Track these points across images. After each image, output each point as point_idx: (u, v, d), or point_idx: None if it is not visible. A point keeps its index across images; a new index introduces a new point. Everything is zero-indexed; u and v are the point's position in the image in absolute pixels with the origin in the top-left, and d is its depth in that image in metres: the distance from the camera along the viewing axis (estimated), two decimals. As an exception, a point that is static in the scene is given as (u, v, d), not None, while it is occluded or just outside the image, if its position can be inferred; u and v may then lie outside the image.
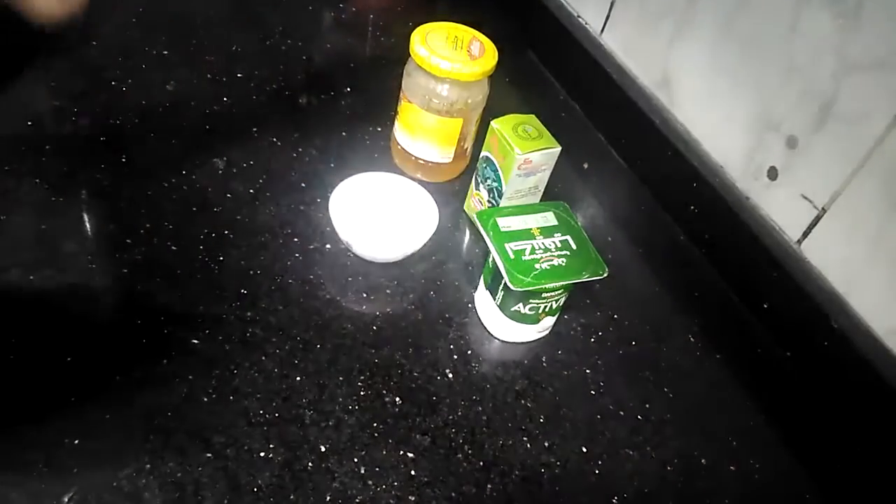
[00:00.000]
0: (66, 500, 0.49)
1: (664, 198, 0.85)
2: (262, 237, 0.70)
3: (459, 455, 0.58)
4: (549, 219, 0.66)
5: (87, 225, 0.67)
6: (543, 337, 0.69)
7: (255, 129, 0.81)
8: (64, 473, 0.51)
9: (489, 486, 0.57)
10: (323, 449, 0.56)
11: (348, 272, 0.69)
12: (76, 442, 0.52)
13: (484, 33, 0.76)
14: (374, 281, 0.69)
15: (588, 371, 0.67)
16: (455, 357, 0.65)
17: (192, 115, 0.80)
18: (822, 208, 0.69)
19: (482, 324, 0.68)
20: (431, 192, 0.73)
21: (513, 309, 0.64)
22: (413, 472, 0.56)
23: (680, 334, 0.73)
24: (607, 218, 0.83)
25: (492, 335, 0.67)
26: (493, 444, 0.60)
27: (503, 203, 0.72)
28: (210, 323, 0.62)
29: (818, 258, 0.70)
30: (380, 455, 0.57)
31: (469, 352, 0.66)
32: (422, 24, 0.75)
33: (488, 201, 0.74)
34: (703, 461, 0.63)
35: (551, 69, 1.01)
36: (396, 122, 0.79)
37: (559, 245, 0.64)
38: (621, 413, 0.64)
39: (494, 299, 0.65)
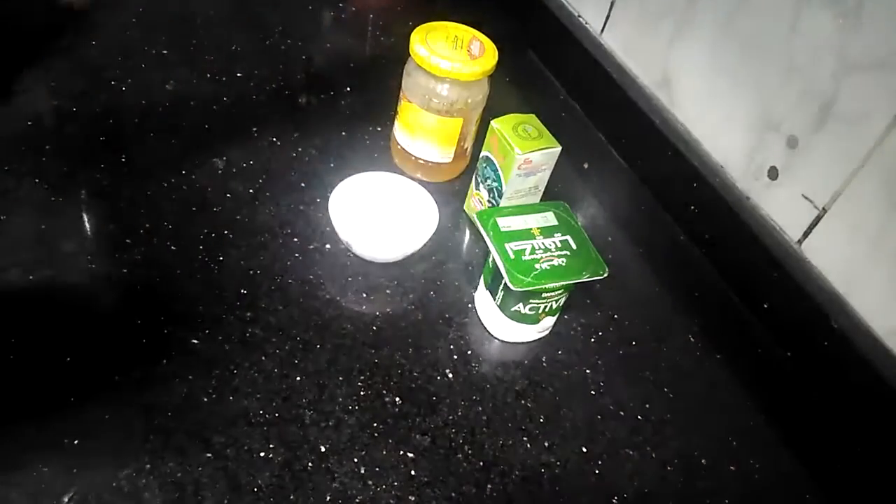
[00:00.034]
0: (66, 500, 0.49)
1: (664, 198, 0.85)
2: (262, 237, 0.70)
3: (459, 455, 0.58)
4: (549, 219, 0.66)
5: (87, 225, 0.67)
6: (543, 337, 0.69)
7: (254, 129, 0.81)
8: (64, 473, 0.51)
9: (489, 486, 0.57)
10: (323, 449, 0.56)
11: (348, 272, 0.69)
12: (76, 442, 0.52)
13: (484, 33, 0.76)
14: (374, 281, 0.69)
15: (588, 371, 0.67)
16: (455, 357, 0.65)
17: (191, 115, 0.80)
18: (823, 208, 0.69)
19: (482, 324, 0.68)
20: (431, 192, 0.73)
21: (513, 309, 0.64)
22: (413, 472, 0.56)
23: (680, 334, 0.73)
24: (607, 218, 0.83)
25: (492, 335, 0.67)
26: (493, 444, 0.60)
27: (503, 203, 0.72)
28: (210, 323, 0.62)
29: (818, 258, 0.70)
30: (380, 455, 0.57)
31: (469, 352, 0.66)
32: (422, 24, 0.75)
33: (488, 201, 0.74)
34: (703, 461, 0.63)
35: (551, 69, 1.01)
36: (396, 122, 0.79)
37: (559, 245, 0.64)
38: (621, 413, 0.64)
39: (494, 299, 0.65)
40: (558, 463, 0.60)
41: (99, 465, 0.52)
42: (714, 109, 0.79)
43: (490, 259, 0.64)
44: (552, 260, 0.63)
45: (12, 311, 0.59)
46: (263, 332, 0.62)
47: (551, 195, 0.76)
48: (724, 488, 0.61)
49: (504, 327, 0.66)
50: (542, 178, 0.73)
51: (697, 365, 0.70)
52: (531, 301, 0.63)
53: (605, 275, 0.63)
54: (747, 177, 0.76)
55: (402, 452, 0.57)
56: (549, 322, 0.67)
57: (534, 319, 0.65)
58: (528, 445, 0.60)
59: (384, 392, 0.61)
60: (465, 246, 0.76)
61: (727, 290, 0.78)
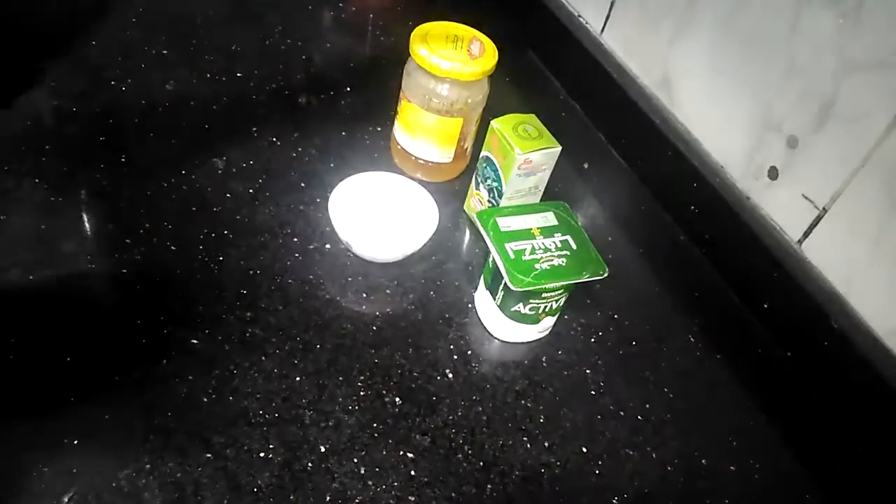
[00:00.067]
0: (66, 500, 0.49)
1: (664, 198, 0.85)
2: (262, 237, 0.70)
3: (459, 455, 0.58)
4: (549, 219, 0.66)
5: (87, 225, 0.67)
6: (543, 337, 0.69)
7: (254, 129, 0.81)
8: (64, 473, 0.51)
9: (489, 486, 0.57)
10: (323, 449, 0.56)
11: (348, 272, 0.69)
12: (76, 442, 0.52)
13: (484, 33, 0.76)
14: (374, 281, 0.69)
15: (588, 371, 0.67)
16: (455, 357, 0.65)
17: (191, 114, 0.80)
18: (823, 208, 0.69)
19: (482, 324, 0.68)
20: (431, 192, 0.73)
21: (513, 309, 0.64)
22: (413, 472, 0.56)
23: (680, 334, 0.73)
24: (607, 218, 0.83)
25: (492, 335, 0.67)
26: (493, 444, 0.60)
27: (503, 203, 0.72)
28: (210, 323, 0.62)
29: (819, 258, 0.70)
30: (380, 455, 0.57)
31: (469, 352, 0.66)
32: (422, 24, 0.75)
33: (488, 201, 0.74)
34: (703, 461, 0.63)
35: (551, 69, 1.01)
36: (396, 122, 0.79)
37: (559, 245, 0.64)
38: (621, 413, 0.64)
39: (494, 299, 0.65)
40: (558, 463, 0.60)
41: (99, 465, 0.52)
42: (714, 109, 0.79)
43: (490, 259, 0.64)
44: (552, 260, 0.63)
45: (12, 311, 0.59)
46: (263, 332, 0.62)
47: (551, 195, 0.76)
48: (724, 488, 0.61)
49: (504, 327, 0.66)
50: (542, 178, 0.73)
51: (697, 365, 0.70)
52: (531, 301, 0.63)
53: (605, 275, 0.63)
54: (747, 177, 0.76)
55: (402, 452, 0.57)
56: (549, 322, 0.67)
57: (534, 319, 0.65)
58: (528, 445, 0.60)
59: (384, 392, 0.61)
60: (465, 246, 0.76)
61: (727, 290, 0.78)
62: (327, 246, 0.71)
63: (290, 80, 0.89)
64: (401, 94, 0.77)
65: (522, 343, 0.68)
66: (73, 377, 0.56)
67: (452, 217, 0.77)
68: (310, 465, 0.55)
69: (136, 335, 0.60)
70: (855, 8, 0.62)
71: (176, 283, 0.64)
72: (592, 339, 0.70)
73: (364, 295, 0.68)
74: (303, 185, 0.76)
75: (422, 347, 0.65)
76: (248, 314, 0.63)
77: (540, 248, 0.63)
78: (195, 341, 0.60)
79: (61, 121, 0.75)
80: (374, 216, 0.72)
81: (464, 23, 0.77)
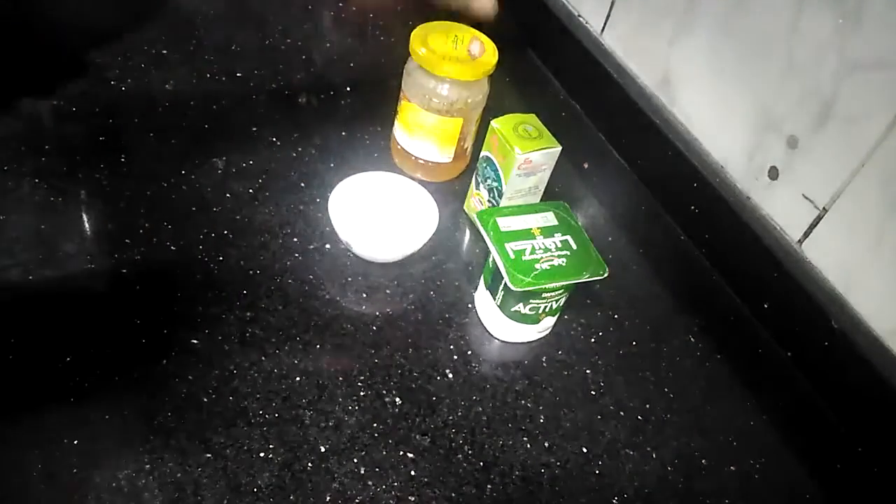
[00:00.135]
0: None
1: (664, 198, 0.85)
2: (262, 237, 0.70)
3: (459, 455, 0.58)
4: (549, 219, 0.66)
5: (87, 225, 0.67)
6: (543, 337, 0.69)
7: (254, 129, 0.81)
8: (64, 474, 0.51)
9: (489, 486, 0.57)
10: (323, 449, 0.56)
11: (348, 272, 0.69)
12: (76, 442, 0.52)
13: (484, 33, 0.76)
14: (374, 281, 0.69)
15: (588, 371, 0.67)
16: (455, 357, 0.65)
17: (191, 114, 0.80)
18: (823, 208, 0.69)
19: (482, 324, 0.68)
20: (431, 192, 0.73)
21: (513, 309, 0.64)
22: (413, 473, 0.56)
23: (680, 334, 0.73)
24: (607, 218, 0.83)
25: (492, 335, 0.67)
26: (493, 444, 0.60)
27: (503, 203, 0.72)
28: (210, 323, 0.62)
29: (819, 258, 0.70)
30: (380, 455, 0.57)
31: (469, 352, 0.66)
32: (422, 23, 0.75)
33: (488, 201, 0.74)
34: (703, 461, 0.63)
35: (551, 68, 1.01)
36: (396, 122, 0.79)
37: (559, 245, 0.64)
38: (621, 413, 0.64)
39: (494, 299, 0.65)
40: (558, 463, 0.60)
41: (99, 465, 0.52)
42: (714, 109, 0.79)
43: (490, 259, 0.64)
44: (552, 260, 0.63)
45: (12, 311, 0.59)
46: (263, 332, 0.62)
47: (551, 195, 0.76)
48: (724, 488, 0.61)
49: (504, 327, 0.66)
50: (542, 178, 0.73)
51: (697, 365, 0.70)
52: (531, 301, 0.63)
53: (605, 275, 0.63)
54: (747, 177, 0.76)
55: (402, 452, 0.57)
56: (549, 322, 0.67)
57: (534, 319, 0.65)
58: (528, 445, 0.60)
59: (384, 392, 0.61)
60: (465, 246, 0.76)
61: (727, 290, 0.78)
62: (327, 246, 0.71)
63: (290, 80, 0.88)
64: (401, 94, 0.77)
65: (522, 343, 0.68)
66: (73, 377, 0.56)
67: (452, 217, 0.77)
68: (310, 465, 0.55)
69: (136, 335, 0.60)
70: (855, 8, 0.62)
71: (176, 283, 0.64)
72: (592, 339, 0.70)
73: (364, 295, 0.68)
74: (303, 185, 0.76)
75: (422, 347, 0.65)
76: (248, 314, 0.63)
77: (540, 248, 0.63)
78: (195, 341, 0.60)
79: (61, 121, 0.75)
80: (374, 216, 0.72)
81: (464, 23, 0.77)
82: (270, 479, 0.54)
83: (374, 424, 0.59)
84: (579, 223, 0.67)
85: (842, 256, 0.68)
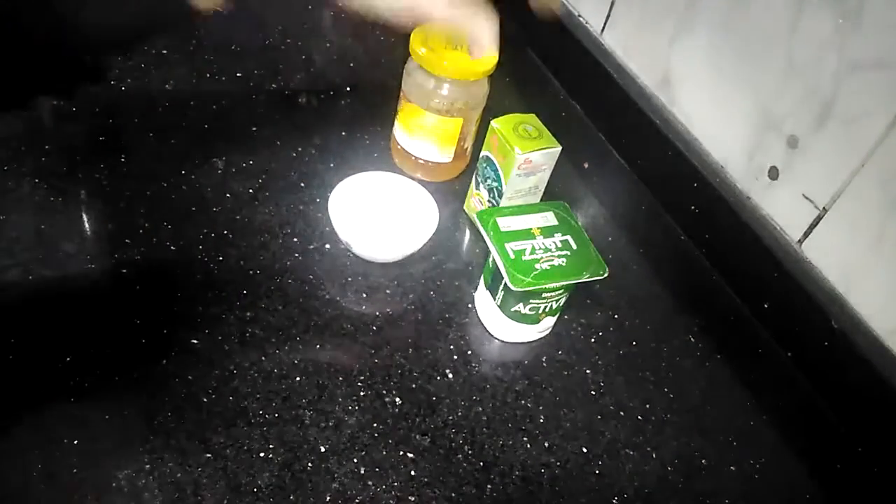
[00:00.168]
0: None
1: (664, 198, 0.85)
2: (262, 237, 0.70)
3: (459, 455, 0.58)
4: (549, 219, 0.66)
5: (87, 225, 0.67)
6: (543, 337, 0.69)
7: (254, 129, 0.81)
8: (64, 474, 0.51)
9: (489, 486, 0.57)
10: (323, 449, 0.56)
11: (348, 272, 0.69)
12: (76, 442, 0.52)
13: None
14: (374, 281, 0.69)
15: (588, 371, 0.67)
16: (455, 357, 0.65)
17: (191, 114, 0.80)
18: (823, 208, 0.69)
19: (482, 324, 0.68)
20: (431, 192, 0.73)
21: (513, 309, 0.64)
22: (413, 473, 0.56)
23: (680, 334, 0.73)
24: (607, 218, 0.83)
25: (492, 335, 0.67)
26: (493, 444, 0.60)
27: (503, 203, 0.72)
28: (210, 323, 0.62)
29: (819, 258, 0.70)
30: (380, 455, 0.57)
31: (469, 352, 0.66)
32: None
33: (488, 201, 0.74)
34: (703, 461, 0.63)
35: (551, 68, 1.01)
36: (396, 122, 0.79)
37: (559, 245, 0.64)
38: (621, 413, 0.64)
39: (494, 299, 0.65)
40: (558, 463, 0.60)
41: (99, 465, 0.52)
42: (714, 109, 0.79)
43: (490, 259, 0.64)
44: (552, 260, 0.63)
45: (12, 311, 0.59)
46: (263, 332, 0.62)
47: (551, 195, 0.76)
48: (724, 488, 0.61)
49: (504, 327, 0.66)
50: (542, 178, 0.73)
51: (697, 365, 0.70)
52: (531, 301, 0.63)
53: (606, 275, 0.63)
54: (747, 177, 0.76)
55: (402, 452, 0.57)
56: (549, 322, 0.67)
57: (534, 319, 0.65)
58: (528, 445, 0.60)
59: (384, 392, 0.61)
60: (465, 246, 0.76)
61: (727, 290, 0.78)
62: (327, 246, 0.71)
63: (290, 80, 0.89)
64: (401, 94, 0.77)
65: (522, 343, 0.68)
66: (73, 377, 0.56)
67: (452, 217, 0.77)
68: (310, 465, 0.55)
69: (136, 335, 0.60)
70: (855, 8, 0.62)
71: (176, 283, 0.64)
72: (592, 339, 0.70)
73: (364, 295, 0.68)
74: (303, 185, 0.76)
75: (422, 347, 0.65)
76: (248, 314, 0.63)
77: (540, 248, 0.63)
78: (195, 341, 0.60)
79: (61, 121, 0.75)
80: (374, 216, 0.72)
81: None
82: (270, 479, 0.54)
83: (374, 424, 0.59)
84: (579, 223, 0.67)
85: (842, 256, 0.68)
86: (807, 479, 0.64)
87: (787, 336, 0.72)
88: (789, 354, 0.72)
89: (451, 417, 0.61)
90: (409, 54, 0.73)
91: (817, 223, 0.70)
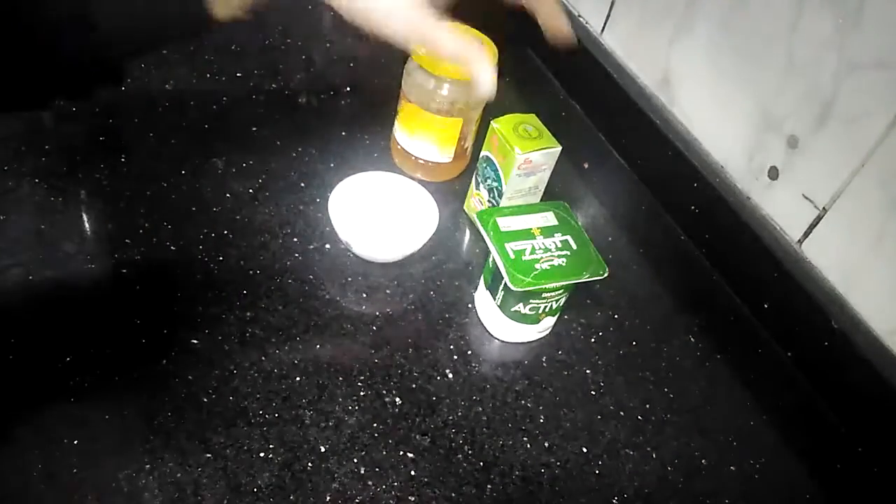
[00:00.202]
0: None
1: (664, 198, 0.85)
2: (262, 237, 0.70)
3: (459, 455, 0.58)
4: (549, 219, 0.66)
5: (87, 225, 0.67)
6: (543, 337, 0.69)
7: (254, 129, 0.81)
8: (64, 474, 0.51)
9: (489, 486, 0.57)
10: (323, 449, 0.56)
11: (348, 272, 0.69)
12: (76, 442, 0.52)
13: (484, 33, 0.76)
14: (374, 281, 0.69)
15: (588, 371, 0.67)
16: (455, 357, 0.65)
17: (191, 114, 0.80)
18: (823, 208, 0.69)
19: (482, 324, 0.68)
20: (431, 192, 0.73)
21: (513, 309, 0.64)
22: (413, 473, 0.56)
23: (680, 334, 0.73)
24: (607, 218, 0.83)
25: (492, 335, 0.67)
26: (493, 444, 0.60)
27: (503, 203, 0.72)
28: (210, 323, 0.62)
29: (819, 258, 0.70)
30: (380, 455, 0.57)
31: (469, 352, 0.66)
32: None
33: (488, 201, 0.74)
34: (703, 461, 0.63)
35: (551, 68, 1.01)
36: (396, 122, 0.79)
37: (559, 245, 0.64)
38: (621, 413, 0.64)
39: (494, 299, 0.65)
40: (558, 463, 0.60)
41: (99, 465, 0.52)
42: (714, 109, 0.79)
43: (490, 259, 0.64)
44: (552, 260, 0.63)
45: (12, 311, 0.59)
46: (263, 332, 0.62)
47: (551, 195, 0.76)
48: (724, 488, 0.61)
49: (504, 327, 0.66)
50: (542, 178, 0.73)
51: (697, 365, 0.70)
52: (531, 301, 0.63)
53: (605, 275, 0.63)
54: (747, 177, 0.76)
55: (402, 452, 0.57)
56: (549, 322, 0.67)
57: (534, 319, 0.65)
58: (528, 445, 0.60)
59: (384, 392, 0.61)
60: (465, 246, 0.76)
61: (727, 290, 0.78)
62: (327, 246, 0.71)
63: (290, 80, 0.89)
64: (401, 94, 0.77)
65: (522, 343, 0.68)
66: (73, 377, 0.56)
67: (452, 217, 0.77)
68: (310, 465, 0.55)
69: (136, 335, 0.60)
70: (855, 8, 0.62)
71: (176, 283, 0.64)
72: (592, 339, 0.70)
73: (364, 295, 0.68)
74: (303, 185, 0.76)
75: (422, 347, 0.65)
76: (248, 314, 0.63)
77: (540, 248, 0.63)
78: (195, 341, 0.60)
79: (61, 121, 0.75)
80: (374, 216, 0.72)
81: (464, 22, 0.77)
82: (270, 479, 0.54)
83: (374, 424, 0.59)
84: (579, 223, 0.67)
85: (842, 256, 0.68)
86: (807, 479, 0.64)
87: (787, 336, 0.72)
88: (789, 354, 0.72)
89: (451, 417, 0.61)
90: (409, 54, 0.73)
91: (817, 223, 0.70)
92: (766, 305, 0.74)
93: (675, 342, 0.72)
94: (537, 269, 0.62)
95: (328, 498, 0.54)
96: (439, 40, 0.48)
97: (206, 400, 0.57)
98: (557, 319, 0.68)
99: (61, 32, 0.42)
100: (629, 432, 0.63)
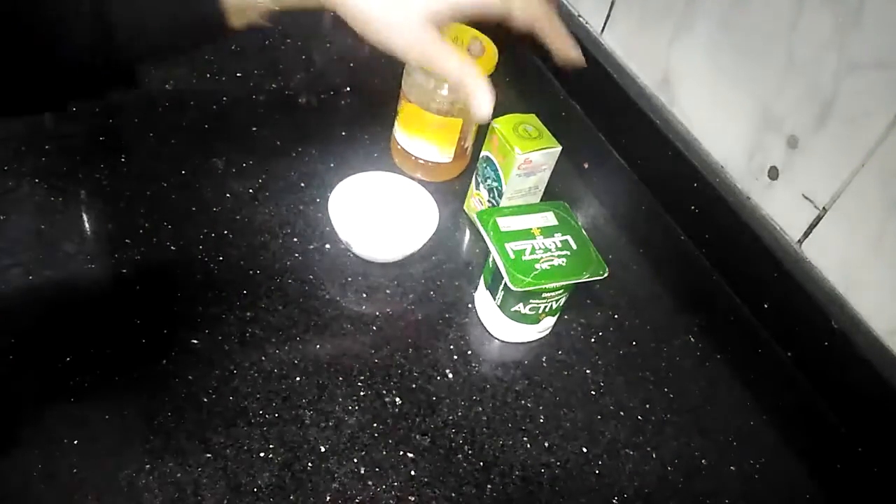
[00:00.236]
0: None
1: (664, 198, 0.85)
2: (262, 237, 0.70)
3: (459, 455, 0.58)
4: (549, 219, 0.66)
5: (87, 225, 0.67)
6: (543, 337, 0.69)
7: (254, 129, 0.81)
8: (64, 474, 0.51)
9: (489, 486, 0.57)
10: (323, 449, 0.56)
11: (348, 272, 0.69)
12: (76, 442, 0.52)
13: (484, 33, 0.76)
14: (374, 281, 0.69)
15: (588, 371, 0.67)
16: (455, 357, 0.65)
17: (191, 114, 0.80)
18: (823, 208, 0.69)
19: (482, 324, 0.68)
20: (431, 192, 0.73)
21: (513, 309, 0.64)
22: (413, 472, 0.56)
23: (680, 334, 0.73)
24: (607, 218, 0.83)
25: (492, 335, 0.67)
26: (493, 444, 0.60)
27: (503, 203, 0.72)
28: (210, 323, 0.62)
29: (819, 258, 0.70)
30: (380, 455, 0.57)
31: (469, 352, 0.66)
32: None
33: (488, 201, 0.74)
34: (703, 461, 0.63)
35: (551, 68, 1.01)
36: (396, 122, 0.79)
37: (559, 245, 0.64)
38: (621, 413, 0.64)
39: (494, 299, 0.65)
40: (558, 463, 0.60)
41: (99, 465, 0.52)
42: (714, 109, 0.79)
43: (490, 259, 0.64)
44: (552, 260, 0.63)
45: (12, 311, 0.59)
46: (263, 332, 0.62)
47: (551, 195, 0.76)
48: (724, 488, 0.61)
49: (504, 327, 0.66)
50: (542, 178, 0.73)
51: (697, 365, 0.70)
52: (531, 301, 0.63)
53: (605, 275, 0.63)
54: (747, 177, 0.76)
55: (402, 452, 0.57)
56: (549, 322, 0.67)
57: (534, 319, 0.65)
58: (528, 445, 0.60)
59: (384, 392, 0.61)
60: (465, 246, 0.76)
61: (727, 290, 0.78)
62: (327, 246, 0.71)
63: (290, 80, 0.89)
64: (401, 94, 0.77)
65: (522, 343, 0.68)
66: (73, 377, 0.56)
67: (452, 217, 0.77)
68: (310, 465, 0.55)
69: (136, 335, 0.60)
70: (856, 7, 0.62)
71: (176, 283, 0.64)
72: (592, 339, 0.70)
73: (364, 295, 0.68)
74: (303, 185, 0.76)
75: (422, 347, 0.65)
76: (248, 314, 0.63)
77: (540, 248, 0.63)
78: (195, 341, 0.60)
79: (61, 121, 0.75)
80: (374, 216, 0.72)
81: (464, 23, 0.77)
82: (270, 479, 0.54)
83: (374, 424, 0.59)
84: (579, 223, 0.67)
85: (842, 256, 0.68)
86: (807, 479, 0.64)
87: (787, 336, 0.72)
88: (789, 354, 0.72)
89: (451, 417, 0.61)
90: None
91: (817, 223, 0.70)
92: (766, 305, 0.74)
93: (675, 342, 0.72)
94: (537, 269, 0.62)
95: (328, 498, 0.54)
96: (440, 61, 0.49)
97: (206, 400, 0.57)
98: (557, 319, 0.68)
99: (78, 37, 0.43)
100: (629, 432, 0.63)
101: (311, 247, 0.70)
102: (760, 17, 0.71)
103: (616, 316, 0.72)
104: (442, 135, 0.76)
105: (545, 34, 0.54)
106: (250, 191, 0.74)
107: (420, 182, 0.75)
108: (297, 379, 0.60)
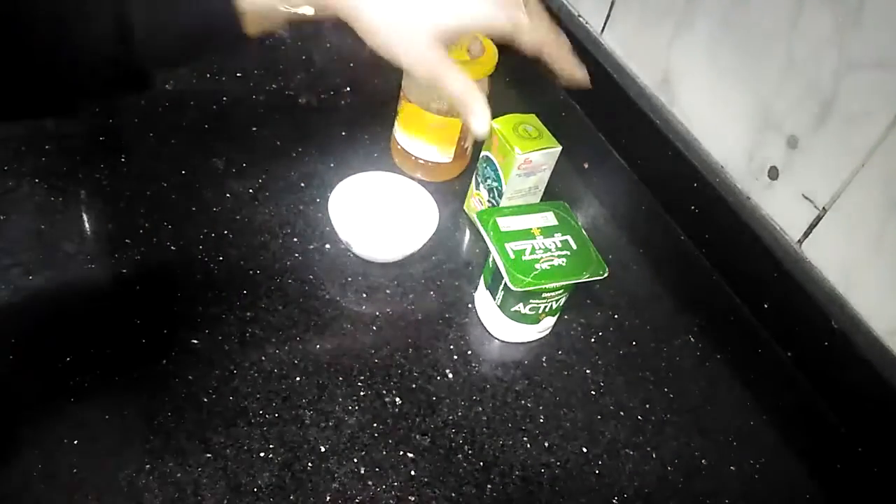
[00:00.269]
0: None
1: (664, 198, 0.85)
2: (262, 237, 0.70)
3: (459, 455, 0.58)
4: (549, 219, 0.66)
5: (87, 225, 0.67)
6: (543, 337, 0.69)
7: (254, 129, 0.81)
8: (64, 474, 0.51)
9: (489, 486, 0.57)
10: (323, 449, 0.56)
11: (348, 272, 0.69)
12: (76, 442, 0.52)
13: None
14: (373, 281, 0.69)
15: (588, 371, 0.67)
16: (455, 357, 0.65)
17: (191, 114, 0.80)
18: (823, 208, 0.69)
19: (482, 324, 0.68)
20: (431, 192, 0.73)
21: (513, 309, 0.64)
22: (413, 472, 0.56)
23: (680, 334, 0.73)
24: (607, 218, 0.83)
25: (492, 335, 0.67)
26: (493, 444, 0.60)
27: (503, 203, 0.72)
28: (210, 323, 0.62)
29: (819, 258, 0.70)
30: (380, 455, 0.57)
31: (469, 352, 0.66)
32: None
33: (488, 201, 0.74)
34: (703, 461, 0.63)
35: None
36: (396, 122, 0.79)
37: (559, 245, 0.64)
38: (621, 413, 0.64)
39: (494, 299, 0.65)
40: (558, 463, 0.60)
41: (99, 465, 0.52)
42: (714, 109, 0.79)
43: (490, 259, 0.64)
44: (552, 260, 0.63)
45: (12, 311, 0.59)
46: (263, 332, 0.62)
47: (551, 195, 0.76)
48: (724, 488, 0.61)
49: (504, 327, 0.66)
50: (542, 178, 0.73)
51: (697, 365, 0.70)
52: (531, 301, 0.63)
53: (605, 275, 0.63)
54: (747, 177, 0.76)
55: (402, 452, 0.57)
56: (549, 322, 0.67)
57: (534, 319, 0.65)
58: (528, 445, 0.60)
59: (384, 392, 0.61)
60: (465, 246, 0.76)
61: (727, 290, 0.78)
62: (327, 246, 0.71)
63: (290, 80, 0.89)
64: (401, 94, 0.77)
65: (522, 343, 0.68)
66: (73, 377, 0.56)
67: (452, 217, 0.77)
68: (310, 465, 0.55)
69: (136, 335, 0.60)
70: (856, 7, 0.62)
71: (176, 283, 0.64)
72: (592, 339, 0.70)
73: (364, 295, 0.68)
74: (303, 185, 0.76)
75: (422, 347, 0.65)
76: (248, 314, 0.63)
77: (540, 248, 0.63)
78: (195, 341, 0.60)
79: (61, 121, 0.75)
80: (374, 216, 0.72)
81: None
82: (270, 479, 0.54)
83: (374, 424, 0.59)
84: (579, 223, 0.67)
85: (842, 256, 0.68)
86: (807, 479, 0.64)
87: (787, 336, 0.72)
88: (789, 354, 0.72)
89: (451, 417, 0.61)
90: (409, 54, 0.73)
91: (817, 223, 0.70)
92: (766, 305, 0.74)
93: (675, 342, 0.72)
94: (537, 269, 0.62)
95: (328, 498, 0.54)
96: (445, 79, 0.50)
97: (206, 400, 0.57)
98: (557, 319, 0.68)
99: (96, 37, 0.43)
100: (629, 432, 0.63)
101: (311, 247, 0.70)
102: (760, 17, 0.71)
103: (616, 316, 0.72)
104: (442, 135, 0.76)
105: (553, 59, 0.56)
106: (250, 191, 0.74)
107: (420, 182, 0.75)
108: (297, 379, 0.60)
